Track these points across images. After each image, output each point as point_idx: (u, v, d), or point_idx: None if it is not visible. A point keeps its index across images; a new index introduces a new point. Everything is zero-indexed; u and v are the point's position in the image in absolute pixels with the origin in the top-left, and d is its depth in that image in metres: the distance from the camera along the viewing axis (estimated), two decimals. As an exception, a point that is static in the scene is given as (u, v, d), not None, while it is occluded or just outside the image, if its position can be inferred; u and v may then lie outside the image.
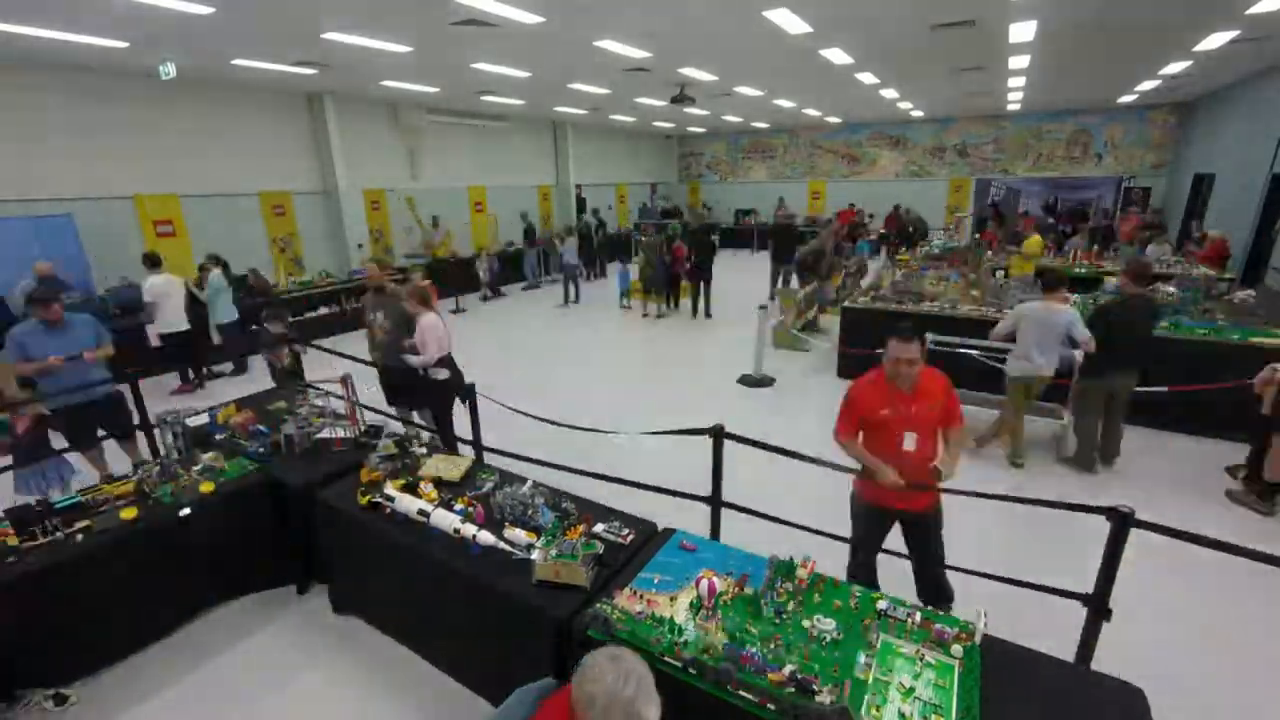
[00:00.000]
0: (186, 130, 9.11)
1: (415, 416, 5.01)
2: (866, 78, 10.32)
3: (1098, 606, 2.31)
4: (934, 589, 2.95)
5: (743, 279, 13.31)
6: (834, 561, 2.70)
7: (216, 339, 7.90)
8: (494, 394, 4.15)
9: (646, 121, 16.77)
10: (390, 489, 3.05)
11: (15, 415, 3.99)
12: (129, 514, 3.05)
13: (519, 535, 2.65)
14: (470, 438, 3.91)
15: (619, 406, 6.66)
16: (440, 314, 4.74)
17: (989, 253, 10.37)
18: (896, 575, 3.01)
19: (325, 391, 4.22)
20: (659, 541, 2.66)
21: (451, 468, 3.31)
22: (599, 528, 2.73)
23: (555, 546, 2.45)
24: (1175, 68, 9.77)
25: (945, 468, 2.78)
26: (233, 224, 9.89)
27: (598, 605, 2.17)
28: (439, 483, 3.19)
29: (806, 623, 2.11)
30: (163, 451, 4.11)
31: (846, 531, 3.02)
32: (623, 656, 1.36)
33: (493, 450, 3.83)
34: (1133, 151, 15.46)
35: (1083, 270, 9.45)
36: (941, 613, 2.23)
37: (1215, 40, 7.78)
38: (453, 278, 12.09)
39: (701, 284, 10.54)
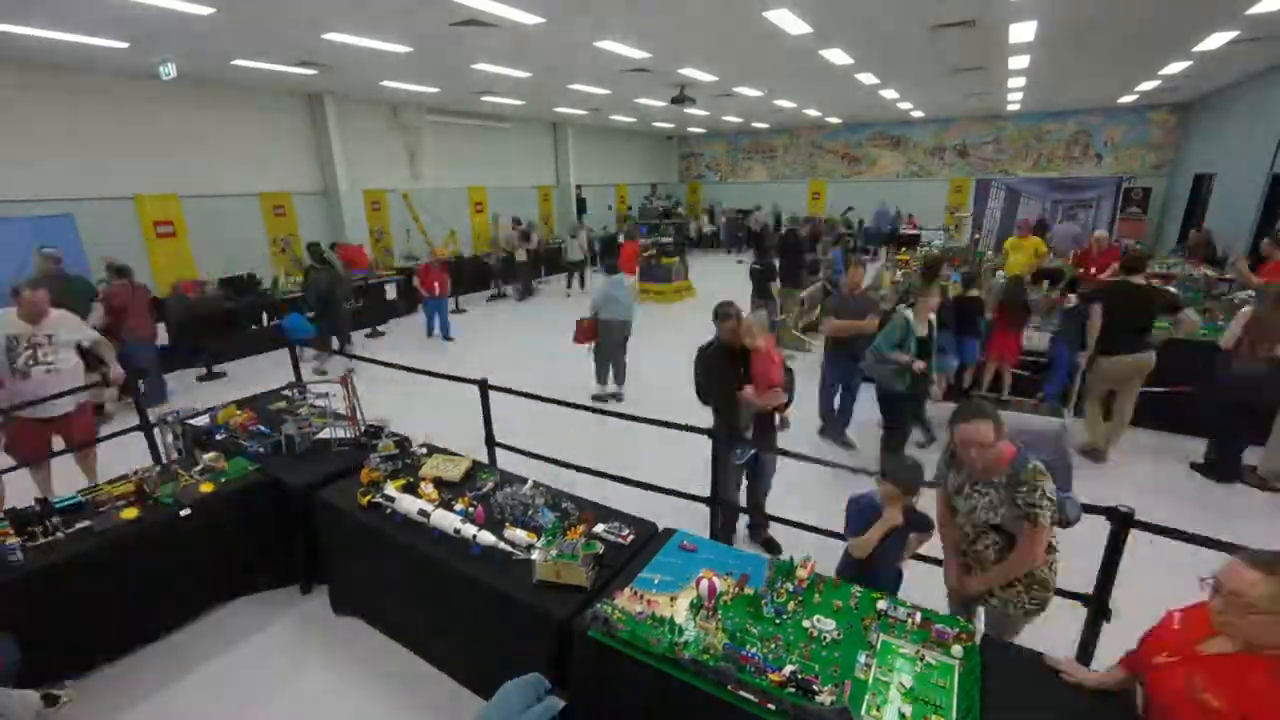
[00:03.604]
0: (186, 130, 9.11)
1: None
2: (866, 78, 10.32)
3: (1098, 606, 2.32)
4: None
5: (742, 279, 13.28)
6: (834, 561, 2.70)
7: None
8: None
9: (646, 122, 16.77)
10: (390, 489, 3.05)
11: None
12: (129, 514, 3.05)
13: (519, 535, 2.66)
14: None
15: (618, 406, 6.66)
16: None
17: (988, 252, 10.37)
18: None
19: (325, 392, 4.22)
20: (659, 542, 2.66)
21: (452, 467, 3.31)
22: (599, 528, 2.74)
23: (556, 547, 2.45)
24: (1175, 68, 9.76)
25: None
26: (233, 224, 9.89)
27: (598, 605, 2.17)
28: (439, 483, 3.19)
29: (806, 623, 2.11)
30: (163, 452, 4.12)
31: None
32: None
33: (503, 446, 3.85)
34: (1133, 151, 15.45)
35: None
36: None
37: (1215, 40, 7.77)
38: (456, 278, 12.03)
39: None
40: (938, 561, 2.75)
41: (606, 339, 6.58)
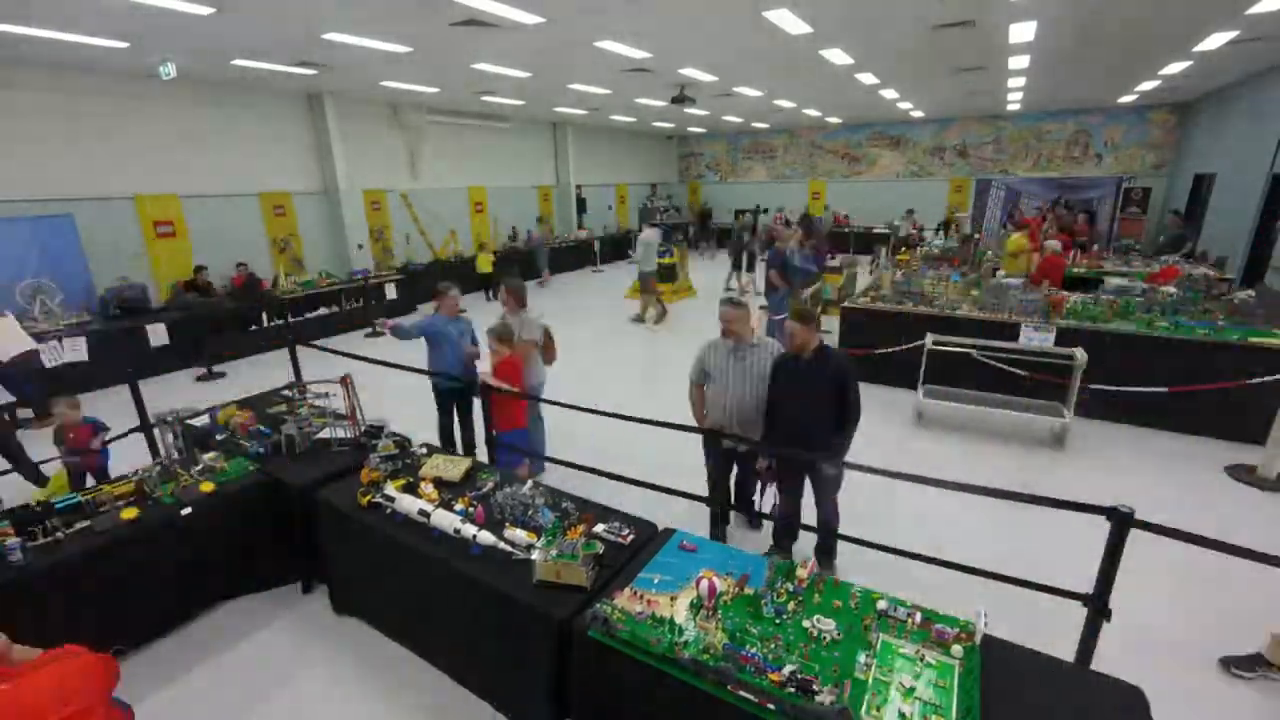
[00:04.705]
0: (186, 130, 9.11)
1: None
2: (866, 78, 10.31)
3: (1098, 606, 2.31)
4: None
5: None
6: (837, 564, 2.70)
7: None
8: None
9: (646, 122, 16.76)
10: (390, 489, 3.05)
11: None
12: (129, 514, 3.05)
13: (519, 535, 2.66)
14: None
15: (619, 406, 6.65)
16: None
17: (988, 252, 10.37)
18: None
19: (325, 393, 4.22)
20: (659, 542, 2.66)
21: (452, 468, 3.31)
22: (599, 528, 2.73)
23: (555, 547, 2.45)
24: (1175, 68, 9.76)
25: None
26: (233, 224, 9.89)
27: (598, 605, 2.17)
28: (439, 483, 3.19)
29: (806, 623, 2.11)
30: (162, 452, 4.12)
31: (846, 530, 3.02)
32: None
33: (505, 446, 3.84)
34: (1133, 151, 15.44)
35: (1082, 270, 9.47)
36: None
37: (1215, 40, 7.77)
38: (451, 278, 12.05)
39: None
40: (941, 563, 2.75)
41: None
